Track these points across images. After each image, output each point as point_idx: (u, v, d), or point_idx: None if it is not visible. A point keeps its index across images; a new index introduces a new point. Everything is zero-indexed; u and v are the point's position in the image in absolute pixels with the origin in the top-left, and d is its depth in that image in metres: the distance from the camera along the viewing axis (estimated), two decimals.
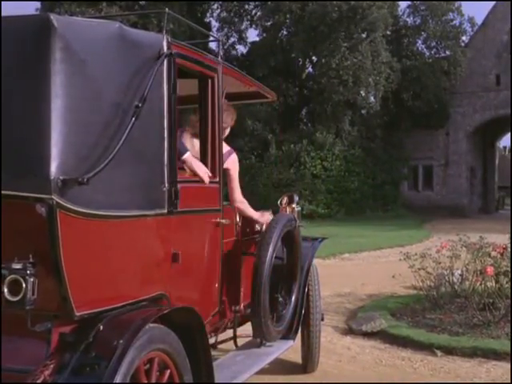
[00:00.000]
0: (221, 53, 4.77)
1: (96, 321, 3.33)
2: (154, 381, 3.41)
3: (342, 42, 30.94)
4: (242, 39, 36.49)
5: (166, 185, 3.78)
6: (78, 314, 3.23)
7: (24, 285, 3.03)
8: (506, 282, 8.04)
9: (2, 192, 3.05)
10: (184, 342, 3.65)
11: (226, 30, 35.97)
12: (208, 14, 36.91)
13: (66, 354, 3.23)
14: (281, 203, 5.97)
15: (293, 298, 5.62)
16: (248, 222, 5.37)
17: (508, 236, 8.75)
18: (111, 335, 3.25)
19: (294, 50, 32.41)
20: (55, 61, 3.10)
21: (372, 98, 33.75)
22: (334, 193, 32.70)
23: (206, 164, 4.44)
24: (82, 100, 3.23)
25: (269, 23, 33.91)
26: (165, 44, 3.75)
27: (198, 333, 3.82)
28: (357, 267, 14.31)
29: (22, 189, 3.04)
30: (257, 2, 34.88)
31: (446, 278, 8.80)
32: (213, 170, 4.49)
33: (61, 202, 3.06)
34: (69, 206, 3.11)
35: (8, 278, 3.05)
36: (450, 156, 36.53)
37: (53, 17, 3.12)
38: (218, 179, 4.54)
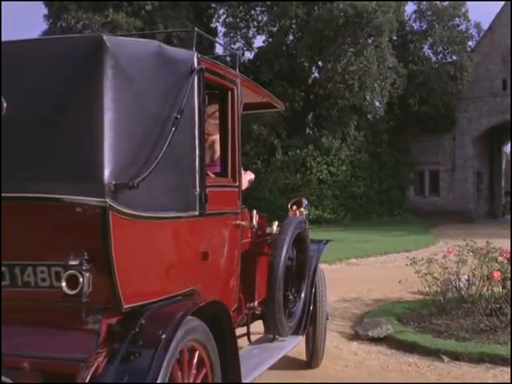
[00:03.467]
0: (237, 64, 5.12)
1: (139, 313, 3.63)
2: (189, 369, 3.70)
3: (348, 46, 31.00)
4: (248, 44, 36.55)
5: (198, 189, 4.11)
6: (125, 306, 3.54)
7: (81, 279, 3.33)
8: None
9: (61, 196, 3.36)
10: (213, 333, 3.92)
11: (232, 35, 36.02)
12: (214, 19, 37.02)
13: (114, 343, 3.50)
14: (291, 207, 6.37)
15: (302, 296, 5.95)
16: (259, 224, 5.65)
17: None
18: (156, 326, 3.56)
19: (300, 55, 32.45)
20: (107, 77, 3.44)
21: (378, 103, 33.77)
22: (340, 198, 32.70)
23: (226, 169, 4.81)
24: (129, 113, 3.56)
25: (275, 28, 33.96)
26: (195, 60, 4.09)
27: (226, 324, 4.12)
28: (363, 272, 14.28)
29: (78, 193, 3.34)
30: (263, 8, 34.91)
31: (453, 283, 8.77)
32: (233, 176, 4.82)
33: (113, 205, 3.36)
34: (119, 208, 3.42)
35: (66, 273, 3.37)
36: (457, 161, 36.48)
37: (105, 37, 3.48)
38: (237, 184, 4.89)
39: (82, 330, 3.54)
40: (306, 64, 34.48)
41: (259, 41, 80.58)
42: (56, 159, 3.45)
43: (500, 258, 8.25)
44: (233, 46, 36.59)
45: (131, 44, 3.87)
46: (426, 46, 36.77)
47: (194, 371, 3.72)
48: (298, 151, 32.38)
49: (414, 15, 36.74)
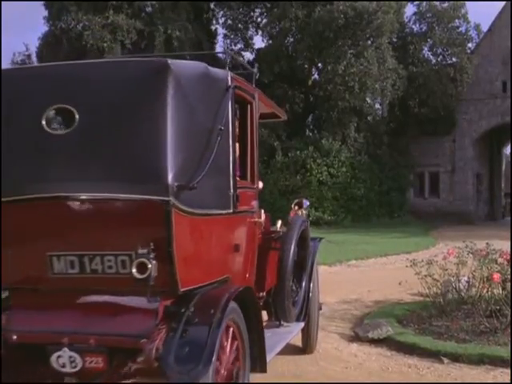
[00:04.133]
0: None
1: (189, 296, 4.31)
2: (227, 344, 4.42)
3: (348, 48, 31.00)
4: (247, 46, 36.56)
5: (231, 190, 4.82)
6: (181, 289, 4.22)
7: (149, 266, 4.00)
8: None
9: (132, 196, 4.07)
10: (243, 314, 4.65)
11: (232, 36, 36.04)
12: (214, 21, 37.03)
13: (172, 321, 4.19)
14: (293, 207, 7.16)
15: (303, 287, 6.67)
16: (265, 223, 6.39)
17: None
18: (208, 307, 4.25)
19: (300, 57, 32.45)
20: (171, 95, 4.12)
21: (378, 105, 33.79)
22: (341, 199, 32.70)
23: (245, 173, 5.48)
24: (186, 125, 4.25)
25: (275, 30, 33.96)
26: (229, 78, 4.82)
27: (253, 307, 4.85)
28: (363, 274, 14.29)
29: (146, 193, 4.03)
30: (263, 9, 34.93)
31: (453, 284, 8.78)
32: (251, 179, 5.58)
33: (175, 203, 4.05)
34: (180, 205, 4.10)
35: (136, 261, 4.02)
36: (457, 162, 36.50)
37: (170, 61, 4.19)
38: (255, 186, 5.68)
39: (143, 310, 4.23)
40: (305, 66, 34.48)
41: (259, 42, 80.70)
42: (128, 165, 4.12)
43: (500, 260, 8.25)
44: (233, 47, 36.64)
45: (186, 65, 4.49)
46: (425, 48, 36.77)
47: (229, 343, 4.46)
48: (298, 153, 32.38)
49: (413, 17, 36.74)
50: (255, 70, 5.40)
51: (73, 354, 4.22)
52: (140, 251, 4.04)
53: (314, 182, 31.86)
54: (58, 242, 4.31)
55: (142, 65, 4.49)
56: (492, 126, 36.06)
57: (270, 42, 34.52)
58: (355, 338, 7.93)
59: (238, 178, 5.06)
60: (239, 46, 36.67)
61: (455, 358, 6.86)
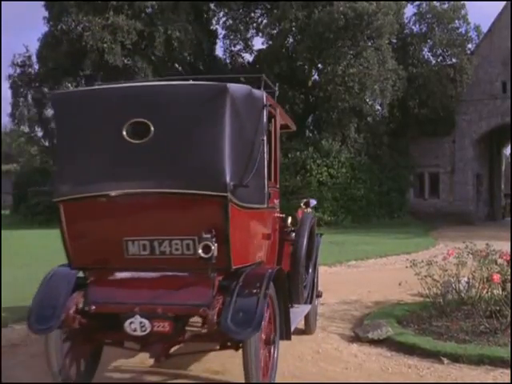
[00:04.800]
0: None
1: (236, 273, 5.43)
2: (267, 313, 5.48)
3: (348, 49, 31.01)
4: (247, 47, 36.57)
5: (266, 189, 5.96)
6: (233, 267, 5.35)
7: (212, 247, 5.06)
8: None
9: (202, 192, 5.14)
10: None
11: (231, 37, 36.04)
12: (214, 22, 37.04)
13: (226, 292, 5.31)
14: (302, 205, 8.30)
15: (309, 274, 7.69)
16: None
17: None
18: (255, 282, 5.38)
19: (300, 58, 32.45)
20: (228, 113, 5.22)
21: (378, 106, 33.79)
22: (340, 200, 32.70)
23: (270, 175, 6.37)
24: (237, 138, 5.32)
25: (275, 31, 33.96)
26: (265, 98, 5.87)
27: (282, 285, 5.91)
28: (363, 274, 14.30)
29: (209, 190, 5.13)
30: (263, 10, 34.93)
31: (453, 285, 8.79)
32: (275, 180, 6.80)
33: (231, 198, 5.16)
34: (234, 200, 5.22)
35: (201, 243, 5.08)
36: (457, 163, 36.51)
37: (228, 85, 5.22)
38: (278, 186, 7.02)
39: (202, 284, 5.32)
40: (305, 66, 34.49)
41: (259, 43, 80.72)
42: (193, 168, 5.23)
43: (500, 261, 8.26)
44: (233, 48, 36.64)
45: (238, 88, 5.43)
46: (425, 49, 36.79)
47: (267, 313, 5.52)
48: (298, 153, 32.38)
49: (413, 18, 36.75)
50: (276, 89, 6.09)
51: (143, 320, 5.29)
52: (204, 236, 5.10)
53: (313, 182, 31.86)
54: (133, 229, 5.40)
55: (205, 87, 5.44)
56: (492, 126, 36.08)
57: (270, 42, 34.51)
58: (355, 339, 7.93)
59: None
60: (239, 46, 36.72)
61: (455, 359, 6.86)
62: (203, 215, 5.24)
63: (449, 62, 35.74)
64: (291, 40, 34.01)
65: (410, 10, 54.75)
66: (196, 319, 5.92)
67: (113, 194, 5.34)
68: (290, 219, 7.36)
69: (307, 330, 8.13)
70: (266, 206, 6.03)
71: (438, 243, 21.83)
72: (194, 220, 5.25)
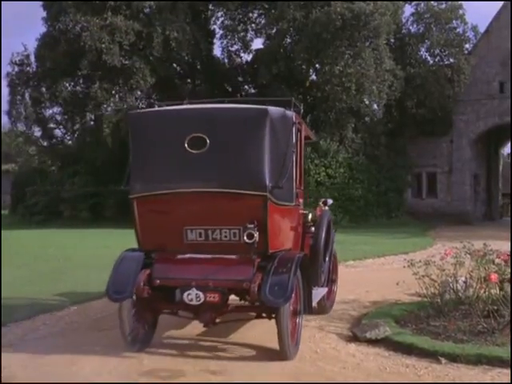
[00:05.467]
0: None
1: (272, 257, 6.92)
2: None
3: (346, 49, 31.00)
4: (245, 47, 36.56)
5: (294, 189, 7.57)
6: (270, 251, 6.90)
7: (255, 235, 6.64)
8: (511, 289, 8.05)
9: (246, 191, 6.75)
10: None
11: (229, 37, 36.03)
12: (212, 22, 37.03)
13: (263, 271, 6.78)
14: (321, 204, 9.75)
15: (326, 261, 8.99)
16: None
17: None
18: (286, 263, 6.87)
19: (298, 58, 32.44)
20: (267, 131, 6.81)
21: (375, 106, 33.79)
22: (339, 200, 32.67)
23: (297, 178, 7.81)
24: (274, 150, 6.91)
25: (272, 31, 33.97)
26: (294, 117, 7.49)
27: (306, 267, 7.36)
28: (361, 274, 14.31)
29: (253, 190, 6.72)
30: (260, 11, 34.93)
31: (450, 285, 8.80)
32: (300, 182, 8.39)
33: (269, 197, 6.74)
34: (272, 199, 6.80)
35: (246, 232, 6.66)
36: (454, 163, 36.56)
37: (269, 109, 6.85)
38: (302, 188, 8.77)
39: (245, 264, 6.86)
40: (303, 67, 34.48)
41: (257, 43, 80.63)
42: (241, 173, 6.85)
43: (497, 260, 8.29)
44: (230, 48, 36.62)
45: (275, 110, 7.01)
46: (423, 49, 36.83)
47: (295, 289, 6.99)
48: None
49: (411, 18, 36.80)
50: (301, 107, 7.25)
51: (198, 292, 6.75)
52: (248, 226, 6.67)
53: (312, 182, 31.87)
54: (192, 220, 6.99)
55: (250, 110, 7.14)
56: (489, 126, 36.13)
57: (268, 42, 34.52)
58: (353, 339, 7.95)
59: None
60: (237, 46, 36.71)
61: (453, 359, 6.88)
62: (247, 210, 6.76)
63: (446, 62, 35.77)
64: (289, 40, 34.01)
65: (407, 10, 54.78)
66: (233, 298, 7.40)
67: (176, 192, 6.95)
68: (310, 215, 8.99)
69: (320, 309, 9.23)
70: (294, 203, 7.65)
71: (436, 243, 21.84)
72: (240, 213, 6.77)
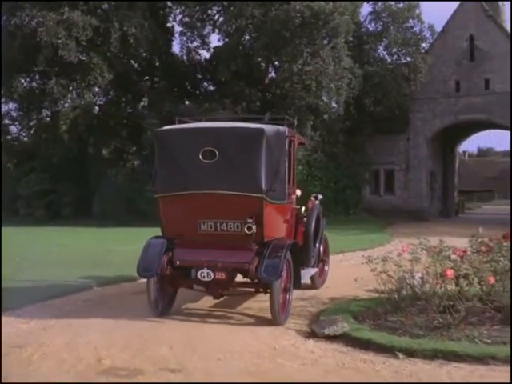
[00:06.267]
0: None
1: (267, 244, 8.65)
2: (285, 269, 8.80)
3: (305, 47, 31.04)
4: (204, 44, 36.40)
5: (287, 190, 9.40)
6: (265, 240, 8.66)
7: (253, 227, 8.50)
8: (466, 285, 8.17)
9: (246, 193, 8.56)
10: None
11: (188, 34, 35.82)
12: (171, 19, 36.78)
13: (260, 255, 8.55)
14: (312, 198, 11.50)
15: (317, 246, 10.94)
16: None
17: (467, 240, 8.89)
18: (278, 249, 8.63)
19: (257, 55, 32.42)
20: (263, 146, 8.53)
21: (334, 104, 33.95)
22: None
23: (290, 180, 9.67)
24: (269, 160, 8.64)
25: (231, 28, 33.88)
26: (287, 132, 9.41)
27: (295, 252, 9.24)
28: None
29: (252, 192, 8.52)
30: (219, 8, 34.81)
31: (407, 281, 8.90)
32: (293, 183, 10.08)
33: (265, 197, 8.52)
34: (267, 199, 8.57)
35: (246, 225, 8.51)
36: (411, 161, 36.96)
37: (265, 127, 8.74)
38: (295, 187, 10.40)
39: (246, 250, 8.69)
40: (262, 64, 34.48)
41: (216, 40, 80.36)
42: (243, 179, 8.62)
43: (453, 256, 8.41)
44: (189, 45, 36.42)
45: (270, 128, 8.98)
46: (380, 48, 37.09)
47: (286, 269, 8.82)
48: None
49: (369, 17, 37.04)
50: (295, 121, 8.89)
51: (209, 271, 8.69)
52: (248, 220, 8.54)
53: None
54: (204, 214, 8.82)
55: (250, 129, 9.07)
56: (445, 124, 36.58)
57: (227, 40, 34.43)
58: (312, 335, 8.00)
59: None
60: (196, 43, 36.53)
61: (410, 353, 6.97)
62: (247, 207, 8.57)
63: (404, 61, 36.07)
64: (248, 37, 33.95)
65: (365, 9, 55.22)
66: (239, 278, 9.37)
67: (192, 193, 8.79)
68: (303, 208, 11.08)
69: (313, 285, 11.39)
70: (286, 201, 9.49)
71: (393, 239, 22.07)
72: (242, 210, 8.58)
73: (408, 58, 35.78)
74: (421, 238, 9.05)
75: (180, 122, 10.01)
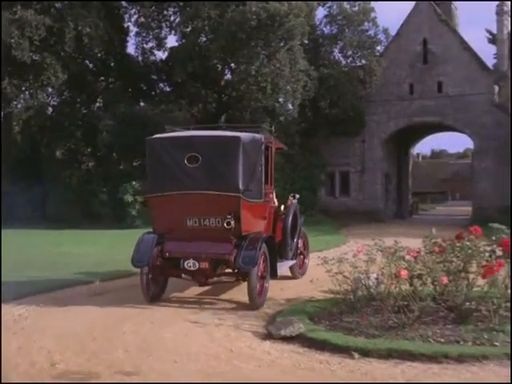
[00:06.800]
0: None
1: (244, 237, 9.95)
2: (261, 260, 10.04)
3: (261, 49, 31.10)
4: (160, 44, 36.18)
5: (263, 190, 10.54)
6: (243, 233, 9.94)
7: (232, 222, 9.75)
8: (420, 285, 8.27)
9: (225, 193, 9.87)
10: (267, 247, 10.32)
11: (144, 34, 35.57)
12: (126, 19, 36.44)
13: (238, 247, 9.85)
14: (290, 197, 12.83)
15: (295, 240, 12.38)
16: (276, 206, 12.22)
17: (421, 240, 9.01)
18: (255, 241, 9.94)
19: (213, 57, 32.35)
20: (240, 152, 9.89)
21: (290, 106, 34.07)
22: None
23: (267, 181, 10.91)
24: (246, 164, 9.99)
25: (187, 29, 33.74)
26: (263, 139, 10.59)
27: (272, 245, 10.63)
28: None
29: (230, 192, 9.84)
30: (175, 8, 34.64)
31: (363, 281, 8.97)
32: (271, 183, 11.26)
33: (242, 197, 9.86)
34: (244, 198, 9.90)
35: (226, 220, 9.75)
36: (366, 162, 37.30)
37: (241, 135, 10.07)
38: (272, 188, 11.49)
39: (227, 242, 9.91)
40: (218, 65, 34.43)
41: (172, 41, 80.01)
42: (222, 180, 9.88)
43: (407, 257, 8.49)
44: (145, 45, 36.17)
45: (246, 135, 10.17)
46: (336, 50, 37.35)
47: (262, 260, 10.02)
48: None
49: (324, 20, 37.28)
50: (273, 130, 11.77)
51: (194, 261, 9.93)
52: (227, 216, 9.69)
53: None
54: (190, 211, 10.03)
55: (228, 136, 10.27)
56: (400, 127, 37.01)
57: (183, 40, 34.28)
58: (268, 336, 8.00)
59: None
60: (151, 44, 36.28)
61: (365, 353, 7.02)
62: (227, 205, 9.74)
63: (359, 64, 36.39)
64: (204, 39, 33.85)
65: (321, 12, 55.61)
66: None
67: (178, 193, 10.04)
68: (282, 207, 12.36)
69: (293, 276, 12.70)
70: (262, 200, 10.63)
71: (349, 240, 22.22)
72: (222, 208, 9.75)
73: (363, 61, 36.12)
74: (376, 239, 9.12)
75: (170, 131, 11.19)
